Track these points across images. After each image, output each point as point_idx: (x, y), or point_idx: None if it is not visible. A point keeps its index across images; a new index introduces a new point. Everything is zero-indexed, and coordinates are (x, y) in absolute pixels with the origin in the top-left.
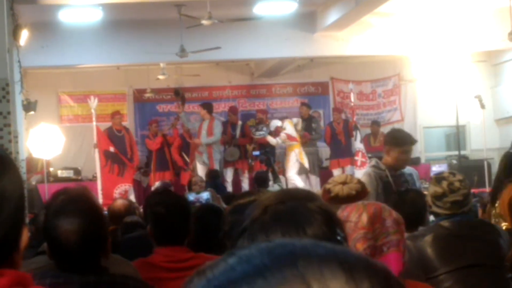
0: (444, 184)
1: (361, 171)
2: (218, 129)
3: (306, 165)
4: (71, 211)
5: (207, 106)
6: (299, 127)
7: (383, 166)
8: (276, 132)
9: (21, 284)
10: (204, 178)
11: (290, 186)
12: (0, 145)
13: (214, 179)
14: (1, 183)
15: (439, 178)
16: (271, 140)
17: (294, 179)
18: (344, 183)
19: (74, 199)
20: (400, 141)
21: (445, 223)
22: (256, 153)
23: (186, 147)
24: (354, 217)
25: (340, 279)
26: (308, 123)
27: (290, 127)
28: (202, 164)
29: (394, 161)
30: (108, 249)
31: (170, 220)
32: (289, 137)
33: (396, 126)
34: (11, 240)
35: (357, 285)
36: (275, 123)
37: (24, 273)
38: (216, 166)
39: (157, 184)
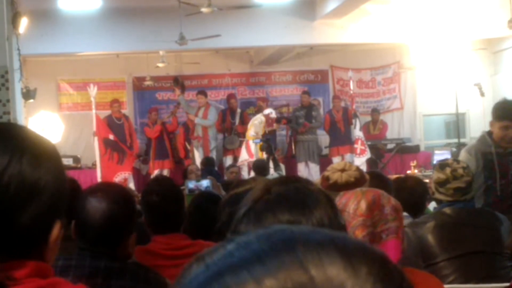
0: (448, 170)
1: (361, 159)
2: (212, 114)
3: None
4: (106, 193)
5: (205, 93)
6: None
7: (490, 141)
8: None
9: (40, 275)
10: (199, 166)
11: None
12: None
13: (209, 167)
14: (35, 173)
15: (443, 164)
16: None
17: None
18: (343, 170)
19: (113, 186)
20: (500, 114)
21: (447, 210)
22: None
23: (188, 135)
24: (353, 204)
25: (338, 265)
26: (309, 111)
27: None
28: (198, 151)
29: (496, 137)
30: (127, 244)
31: (163, 207)
32: None
33: (396, 114)
34: (38, 232)
35: (355, 271)
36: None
37: (45, 264)
38: (213, 154)
39: (156, 172)
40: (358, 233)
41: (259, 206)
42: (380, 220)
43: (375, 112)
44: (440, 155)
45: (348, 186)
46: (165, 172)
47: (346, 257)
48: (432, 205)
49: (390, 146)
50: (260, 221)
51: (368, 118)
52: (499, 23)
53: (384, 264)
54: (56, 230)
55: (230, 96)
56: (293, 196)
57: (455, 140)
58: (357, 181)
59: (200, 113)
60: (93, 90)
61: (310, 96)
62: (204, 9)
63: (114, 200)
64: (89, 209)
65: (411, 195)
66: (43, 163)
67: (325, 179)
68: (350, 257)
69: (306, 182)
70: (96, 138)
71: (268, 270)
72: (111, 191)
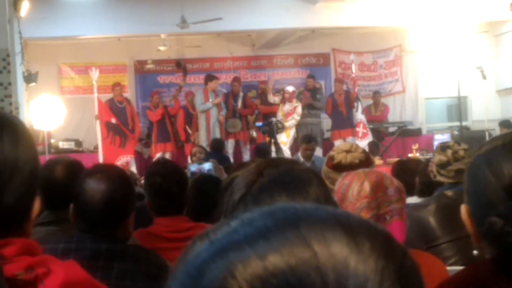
0: (449, 152)
1: (363, 142)
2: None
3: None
4: (104, 174)
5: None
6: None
7: None
8: (289, 98)
9: (28, 252)
10: (207, 148)
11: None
12: None
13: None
14: (15, 152)
15: (444, 146)
16: (291, 124)
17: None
18: (348, 151)
19: (110, 167)
20: None
21: (448, 193)
22: (259, 124)
23: (189, 118)
24: (356, 186)
25: (341, 241)
26: (313, 94)
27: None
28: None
29: None
30: (127, 224)
31: (167, 189)
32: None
33: (398, 97)
34: (22, 209)
35: (358, 247)
36: (290, 89)
37: (32, 241)
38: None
39: (158, 155)
40: (363, 215)
41: (254, 190)
42: (383, 202)
43: (376, 94)
44: (441, 140)
45: (351, 167)
46: (167, 155)
47: (349, 234)
48: None
49: (392, 129)
50: (258, 204)
51: (370, 101)
52: (501, 6)
53: (387, 241)
54: (36, 206)
55: (234, 80)
56: (287, 177)
57: (457, 123)
58: (362, 163)
59: (212, 98)
60: (94, 74)
61: (315, 79)
62: None
63: (113, 180)
64: (88, 191)
65: (413, 177)
66: (21, 142)
67: (330, 158)
68: (353, 234)
69: (295, 163)
70: (98, 122)
71: (271, 246)
72: (109, 172)
